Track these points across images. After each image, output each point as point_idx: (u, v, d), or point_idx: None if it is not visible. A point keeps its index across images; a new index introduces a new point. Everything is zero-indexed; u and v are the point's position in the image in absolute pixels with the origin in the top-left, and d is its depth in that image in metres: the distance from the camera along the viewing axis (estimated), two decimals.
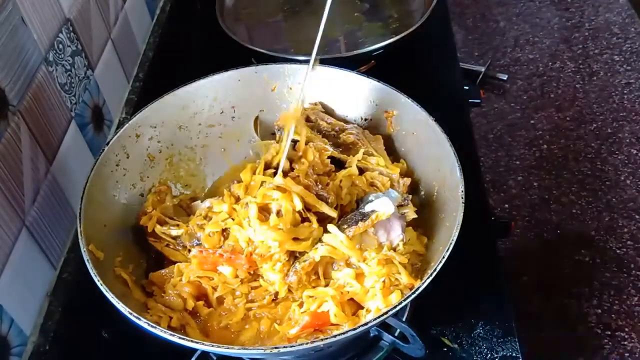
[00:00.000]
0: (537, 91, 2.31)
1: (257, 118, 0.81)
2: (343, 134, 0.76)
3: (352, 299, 0.64)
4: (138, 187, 0.74)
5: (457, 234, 0.58)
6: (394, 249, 0.65)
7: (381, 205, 0.65)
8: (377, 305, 0.61)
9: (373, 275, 0.62)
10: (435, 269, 0.55)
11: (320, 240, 0.65)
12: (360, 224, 0.64)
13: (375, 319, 0.53)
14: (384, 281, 0.61)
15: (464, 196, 0.61)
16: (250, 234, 0.64)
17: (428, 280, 0.55)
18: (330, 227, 0.65)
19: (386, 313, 0.53)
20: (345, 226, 0.64)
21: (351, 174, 0.72)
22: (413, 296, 0.54)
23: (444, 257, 0.56)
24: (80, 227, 0.61)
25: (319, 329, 0.61)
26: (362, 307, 0.63)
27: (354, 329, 0.52)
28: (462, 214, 0.59)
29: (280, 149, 0.71)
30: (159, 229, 0.70)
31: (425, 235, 0.68)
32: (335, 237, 0.64)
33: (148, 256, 0.72)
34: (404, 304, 0.53)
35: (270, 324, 0.64)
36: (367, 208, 0.65)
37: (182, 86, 0.76)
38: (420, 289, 0.54)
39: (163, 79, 1.05)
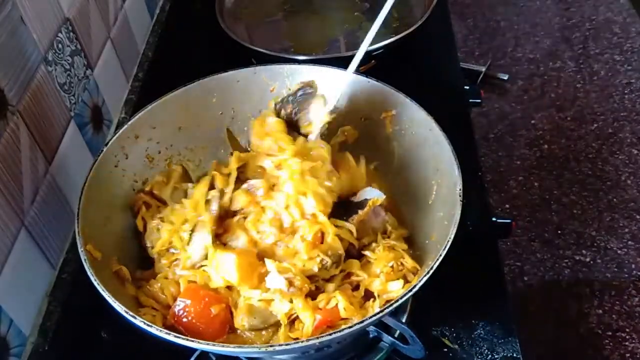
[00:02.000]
0: (537, 91, 2.31)
1: (228, 129, 0.81)
2: None
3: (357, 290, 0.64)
4: (137, 187, 0.74)
5: (454, 231, 0.58)
6: (386, 234, 0.68)
7: (371, 193, 0.67)
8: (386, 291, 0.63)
9: (381, 261, 0.64)
10: (432, 267, 0.55)
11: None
12: (360, 211, 0.65)
13: (372, 316, 0.53)
14: (392, 266, 0.63)
15: (461, 194, 0.61)
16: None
17: (425, 278, 0.54)
18: (334, 221, 0.65)
19: (383, 311, 0.53)
20: (345, 217, 0.65)
21: None
22: (410, 294, 0.54)
23: (441, 255, 0.56)
24: (78, 227, 0.61)
25: (331, 325, 0.61)
26: (369, 299, 0.64)
27: (350, 327, 0.52)
28: (459, 212, 0.59)
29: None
30: (145, 213, 0.70)
31: (424, 234, 0.68)
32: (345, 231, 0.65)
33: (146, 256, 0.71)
34: (401, 301, 0.53)
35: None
36: (358, 198, 0.67)
37: (182, 87, 0.76)
38: (417, 287, 0.54)
39: (163, 79, 1.05)
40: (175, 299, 0.63)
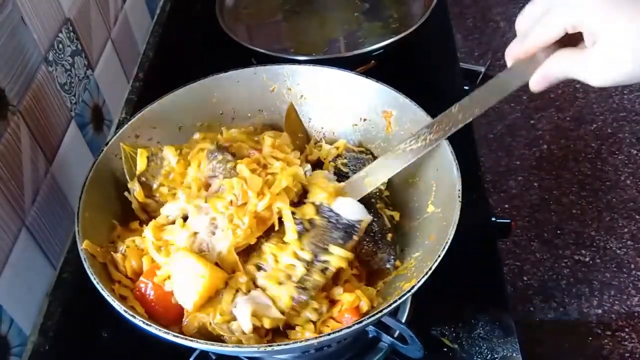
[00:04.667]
0: None
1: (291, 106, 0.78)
2: None
3: None
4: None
5: (453, 232, 0.58)
6: None
7: (357, 213, 0.64)
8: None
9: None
10: (431, 268, 0.55)
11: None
12: (354, 236, 0.63)
13: (371, 316, 0.53)
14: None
15: (460, 195, 0.61)
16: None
17: (424, 279, 0.55)
18: (334, 248, 0.61)
19: (382, 311, 0.53)
20: (341, 242, 0.62)
21: None
22: (408, 295, 0.54)
23: (440, 256, 0.56)
24: (78, 226, 0.61)
25: None
26: None
27: (349, 327, 0.52)
28: (458, 213, 0.59)
29: None
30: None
31: (424, 234, 0.68)
32: (341, 258, 0.62)
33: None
34: (398, 302, 0.54)
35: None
36: (343, 216, 0.63)
37: (182, 86, 0.76)
38: (416, 287, 0.54)
39: (163, 79, 1.05)
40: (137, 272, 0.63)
